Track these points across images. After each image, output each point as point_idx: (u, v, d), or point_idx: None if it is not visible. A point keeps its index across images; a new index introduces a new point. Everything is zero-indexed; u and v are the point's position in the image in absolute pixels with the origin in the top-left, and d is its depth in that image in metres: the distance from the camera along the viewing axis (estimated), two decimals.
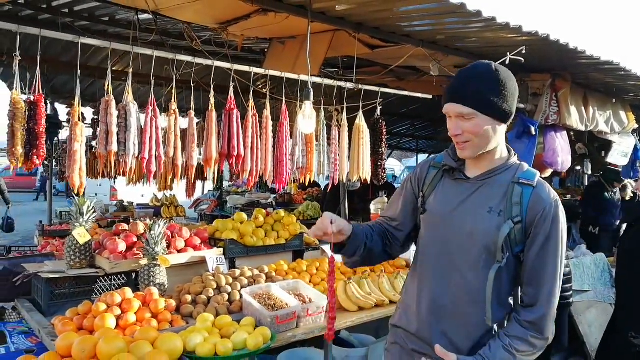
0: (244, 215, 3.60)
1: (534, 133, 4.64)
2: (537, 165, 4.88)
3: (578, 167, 7.84)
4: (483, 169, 1.60)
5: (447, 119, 1.59)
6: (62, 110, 6.58)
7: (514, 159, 1.62)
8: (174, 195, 7.33)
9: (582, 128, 5.25)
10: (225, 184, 9.98)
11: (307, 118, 3.14)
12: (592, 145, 7.60)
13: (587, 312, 4.32)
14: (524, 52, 3.62)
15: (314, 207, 7.73)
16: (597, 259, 4.95)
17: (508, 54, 3.60)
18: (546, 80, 4.79)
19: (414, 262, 1.78)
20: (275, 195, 9.49)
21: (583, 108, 5.22)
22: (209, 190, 11.25)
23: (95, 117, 5.61)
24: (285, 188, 5.83)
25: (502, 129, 1.57)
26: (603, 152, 6.86)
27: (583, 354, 4.37)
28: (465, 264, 1.56)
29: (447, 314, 1.59)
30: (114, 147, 2.74)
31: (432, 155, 1.82)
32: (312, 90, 3.22)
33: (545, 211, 1.50)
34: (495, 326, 1.56)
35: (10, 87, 5.61)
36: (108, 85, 2.81)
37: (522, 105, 4.83)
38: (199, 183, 8.11)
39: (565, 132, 5.23)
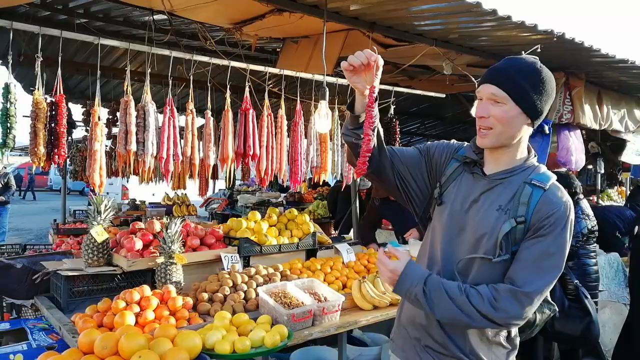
0: (258, 214, 3.62)
1: (547, 132, 4.61)
2: (551, 164, 4.85)
3: (590, 166, 7.77)
4: (501, 166, 1.58)
5: (477, 102, 1.56)
6: (74, 109, 6.65)
7: (533, 160, 1.60)
8: (185, 194, 7.37)
9: (596, 127, 5.21)
10: (236, 182, 10.02)
11: (323, 117, 3.15)
12: (604, 144, 7.54)
13: (600, 312, 4.30)
14: (539, 50, 3.61)
15: (324, 205, 7.75)
16: (611, 258, 4.92)
17: (523, 52, 3.57)
18: (560, 78, 4.75)
19: (422, 249, 1.78)
20: (285, 194, 9.52)
21: (597, 107, 5.18)
22: (219, 189, 11.30)
23: (110, 116, 5.67)
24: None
25: (528, 127, 1.54)
26: (614, 151, 6.80)
27: (597, 353, 4.35)
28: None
29: None
30: (133, 146, 2.77)
31: (456, 143, 1.76)
32: (327, 89, 3.24)
33: (554, 215, 1.47)
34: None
35: (25, 87, 5.69)
36: (127, 86, 2.84)
37: None
38: (210, 182, 8.14)
39: (579, 131, 5.19)
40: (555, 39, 3.69)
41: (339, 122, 4.11)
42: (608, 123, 5.37)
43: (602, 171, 7.56)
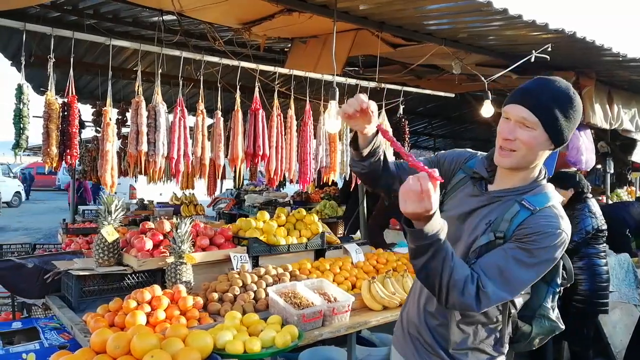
0: (267, 214, 3.62)
1: None
2: (561, 164, 4.82)
3: (599, 166, 7.72)
4: (509, 184, 1.56)
5: (502, 120, 1.51)
6: (83, 110, 6.69)
7: (542, 181, 1.56)
8: (193, 193, 7.40)
9: (607, 126, 5.17)
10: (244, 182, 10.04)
11: (333, 117, 3.15)
12: (614, 144, 7.49)
13: (611, 313, 4.26)
14: (549, 49, 3.59)
15: (332, 205, 7.74)
16: (622, 259, 4.87)
17: (534, 51, 3.56)
18: (570, 78, 4.72)
19: None
20: (292, 194, 9.52)
21: (607, 106, 5.14)
22: (227, 189, 11.33)
23: (119, 117, 5.70)
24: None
25: (548, 152, 1.51)
26: (624, 150, 6.75)
27: (607, 355, 4.31)
28: None
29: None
30: (144, 147, 2.78)
31: (467, 153, 1.75)
32: (337, 89, 3.23)
33: (542, 232, 1.41)
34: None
35: (35, 88, 5.73)
36: (138, 87, 2.85)
37: None
38: (217, 182, 8.17)
39: (589, 131, 5.15)
40: (566, 38, 3.67)
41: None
42: (619, 122, 5.33)
43: (612, 171, 7.50)
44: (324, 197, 8.70)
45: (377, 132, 1.60)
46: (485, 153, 1.71)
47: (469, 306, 1.41)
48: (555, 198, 1.52)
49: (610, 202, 7.38)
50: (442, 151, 1.83)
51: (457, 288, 1.38)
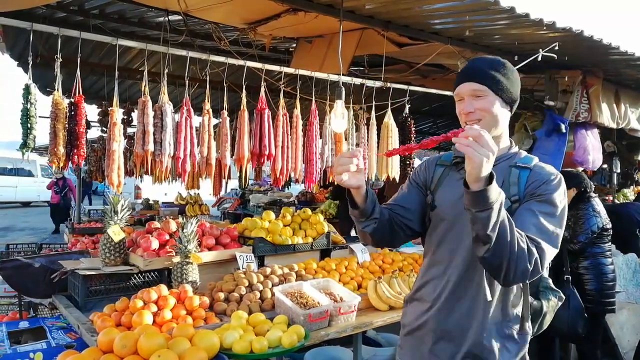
0: (272, 214, 3.62)
1: (564, 131, 4.55)
2: (568, 163, 4.79)
3: (605, 165, 7.67)
4: None
5: (457, 103, 1.67)
6: (89, 110, 6.71)
7: (515, 148, 1.71)
8: (198, 193, 7.40)
9: (614, 125, 5.13)
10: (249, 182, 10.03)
11: (339, 117, 3.14)
12: (620, 143, 7.44)
13: (618, 314, 4.24)
14: (556, 48, 3.56)
15: (336, 205, 7.72)
16: (629, 259, 4.84)
17: (540, 50, 3.54)
18: (576, 76, 4.69)
19: (425, 256, 1.79)
20: (297, 194, 9.51)
21: (615, 105, 5.11)
22: (231, 189, 11.34)
23: (125, 117, 5.71)
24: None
25: (508, 115, 1.66)
26: (631, 150, 6.70)
27: (614, 355, 4.29)
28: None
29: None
30: (151, 146, 2.78)
31: (436, 155, 1.87)
32: (343, 89, 3.22)
33: (546, 179, 1.56)
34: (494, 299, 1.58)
35: (41, 89, 5.76)
36: (144, 86, 2.85)
37: (551, 103, 4.74)
38: (223, 181, 8.18)
39: (596, 130, 5.12)
40: (573, 37, 3.64)
41: (354, 121, 4.10)
42: (626, 122, 5.29)
43: (618, 170, 7.46)
44: (329, 196, 8.68)
45: (368, 192, 1.60)
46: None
47: (537, 272, 1.42)
48: (536, 157, 1.68)
49: (617, 202, 7.34)
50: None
51: (523, 257, 1.39)
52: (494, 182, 1.33)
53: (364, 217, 1.64)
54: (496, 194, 1.34)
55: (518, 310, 1.63)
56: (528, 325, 1.65)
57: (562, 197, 1.55)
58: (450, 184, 1.70)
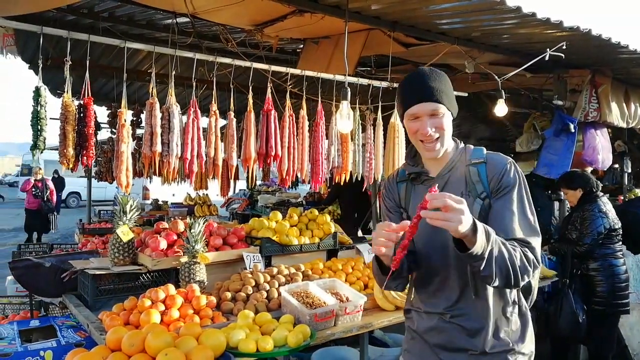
0: (279, 215, 3.64)
1: (572, 130, 4.52)
2: (577, 163, 4.76)
3: (616, 165, 7.60)
4: (442, 164, 1.69)
5: (410, 122, 1.64)
6: (99, 112, 6.78)
7: (461, 144, 1.74)
8: (207, 194, 7.45)
9: (624, 125, 5.09)
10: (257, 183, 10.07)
11: (345, 118, 3.15)
12: (631, 143, 7.37)
13: (629, 315, 4.20)
14: (564, 47, 3.54)
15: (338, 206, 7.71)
16: (639, 260, 4.79)
17: (548, 50, 3.52)
18: (585, 76, 4.66)
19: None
20: (305, 194, 9.52)
21: (624, 104, 5.06)
22: (240, 190, 11.39)
23: (134, 118, 5.77)
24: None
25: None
26: None
27: (625, 357, 4.25)
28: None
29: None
30: (159, 147, 2.81)
31: (394, 173, 1.89)
32: (349, 89, 3.23)
33: (503, 169, 1.61)
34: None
35: (52, 91, 5.82)
36: (152, 88, 2.88)
37: (560, 102, 4.71)
38: (231, 182, 8.23)
39: (605, 129, 5.08)
40: (581, 36, 3.62)
41: (360, 122, 4.10)
42: (636, 121, 5.25)
43: (629, 170, 7.39)
44: (324, 201, 8.63)
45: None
46: None
47: (537, 267, 1.52)
48: (482, 147, 1.73)
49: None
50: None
51: (524, 268, 1.46)
52: (479, 232, 1.34)
53: (394, 279, 1.62)
54: (483, 243, 1.36)
55: (514, 295, 1.67)
56: (524, 305, 1.70)
57: (519, 177, 1.61)
58: (418, 197, 1.70)
